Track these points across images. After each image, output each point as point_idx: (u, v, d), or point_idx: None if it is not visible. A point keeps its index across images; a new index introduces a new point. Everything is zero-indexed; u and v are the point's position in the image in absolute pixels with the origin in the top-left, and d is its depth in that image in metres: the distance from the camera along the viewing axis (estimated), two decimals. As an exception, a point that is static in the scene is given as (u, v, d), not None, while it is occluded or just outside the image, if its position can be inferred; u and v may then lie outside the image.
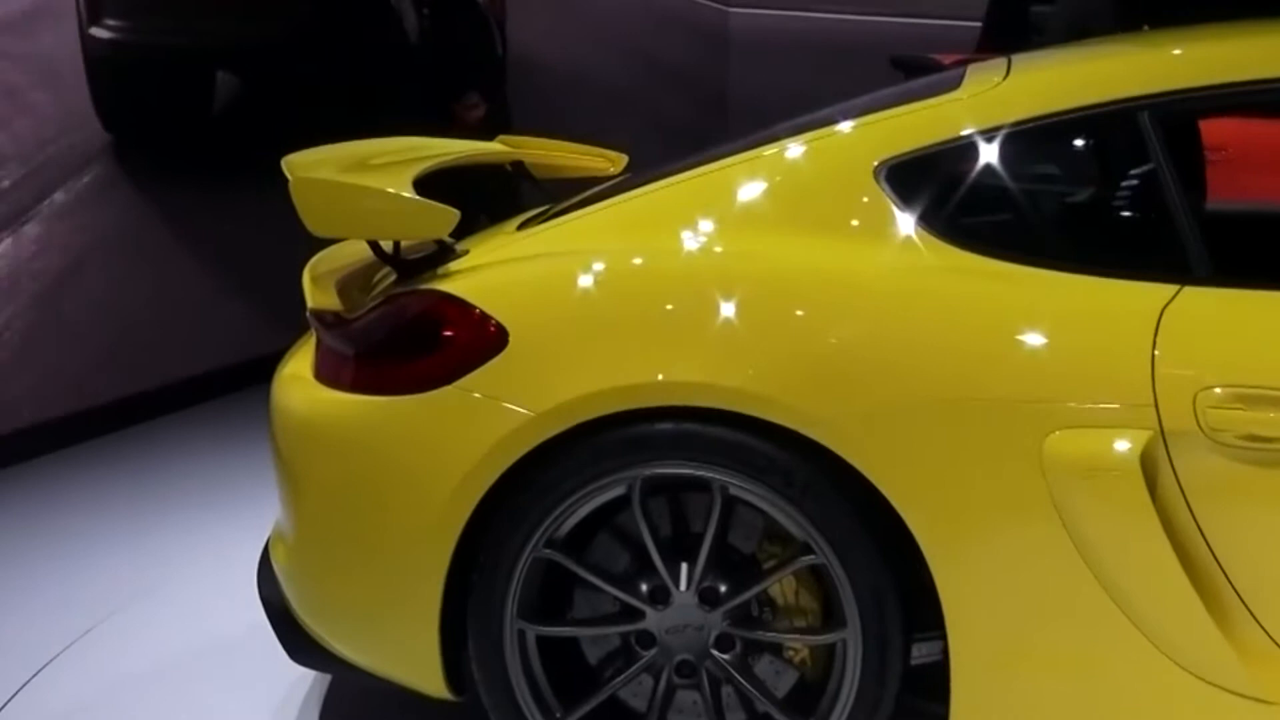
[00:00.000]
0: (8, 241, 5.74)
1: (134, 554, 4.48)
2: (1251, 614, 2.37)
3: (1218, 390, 2.31)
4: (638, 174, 3.20)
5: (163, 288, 6.32)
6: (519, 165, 3.76)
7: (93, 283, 6.03)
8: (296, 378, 2.93)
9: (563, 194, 3.42)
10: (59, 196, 5.96)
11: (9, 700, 3.53)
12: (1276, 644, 2.37)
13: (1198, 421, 2.32)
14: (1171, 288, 2.43)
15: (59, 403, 5.95)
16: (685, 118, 9.14)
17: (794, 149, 2.81)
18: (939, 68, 3.19)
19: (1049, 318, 2.45)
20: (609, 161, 3.83)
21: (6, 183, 5.73)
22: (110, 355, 6.11)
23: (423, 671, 2.71)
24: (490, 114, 5.57)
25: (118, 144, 6.14)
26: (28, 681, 3.62)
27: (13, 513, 5.00)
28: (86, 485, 5.24)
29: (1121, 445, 2.33)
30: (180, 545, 4.52)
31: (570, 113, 7.53)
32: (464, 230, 3.17)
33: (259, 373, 3.08)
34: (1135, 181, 2.71)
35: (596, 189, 3.20)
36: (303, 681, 3.43)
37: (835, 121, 2.85)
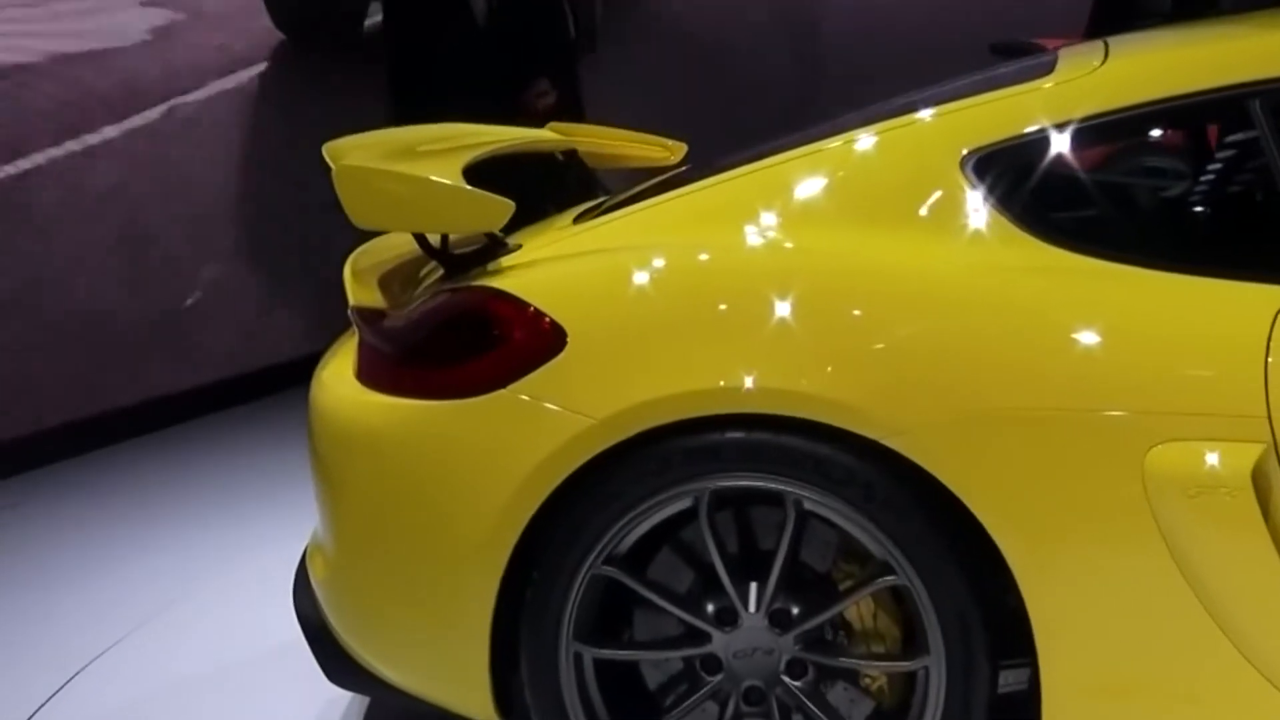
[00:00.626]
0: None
1: (167, 562, 4.52)
2: None
3: None
4: (701, 165, 3.16)
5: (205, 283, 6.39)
6: (572, 154, 3.72)
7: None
8: (337, 379, 2.89)
9: (618, 185, 3.39)
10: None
11: (36, 711, 3.55)
12: (1399, 678, 2.30)
13: (1315, 434, 2.25)
14: None
15: (93, 402, 6.00)
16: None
17: (871, 138, 2.76)
18: (1041, 53, 3.13)
19: (1151, 322, 2.39)
20: (667, 150, 3.79)
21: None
22: (146, 352, 6.16)
23: (470, 695, 2.66)
24: (563, 103, 5.42)
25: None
26: (56, 693, 3.64)
27: (47, 516, 5.05)
28: (120, 488, 5.29)
29: (1231, 460, 2.27)
30: (215, 554, 4.55)
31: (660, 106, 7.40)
32: (516, 224, 3.13)
33: (302, 374, 3.04)
34: (1245, 174, 2.65)
35: (657, 180, 3.16)
36: (339, 703, 3.39)
37: (915, 109, 2.80)
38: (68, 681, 3.73)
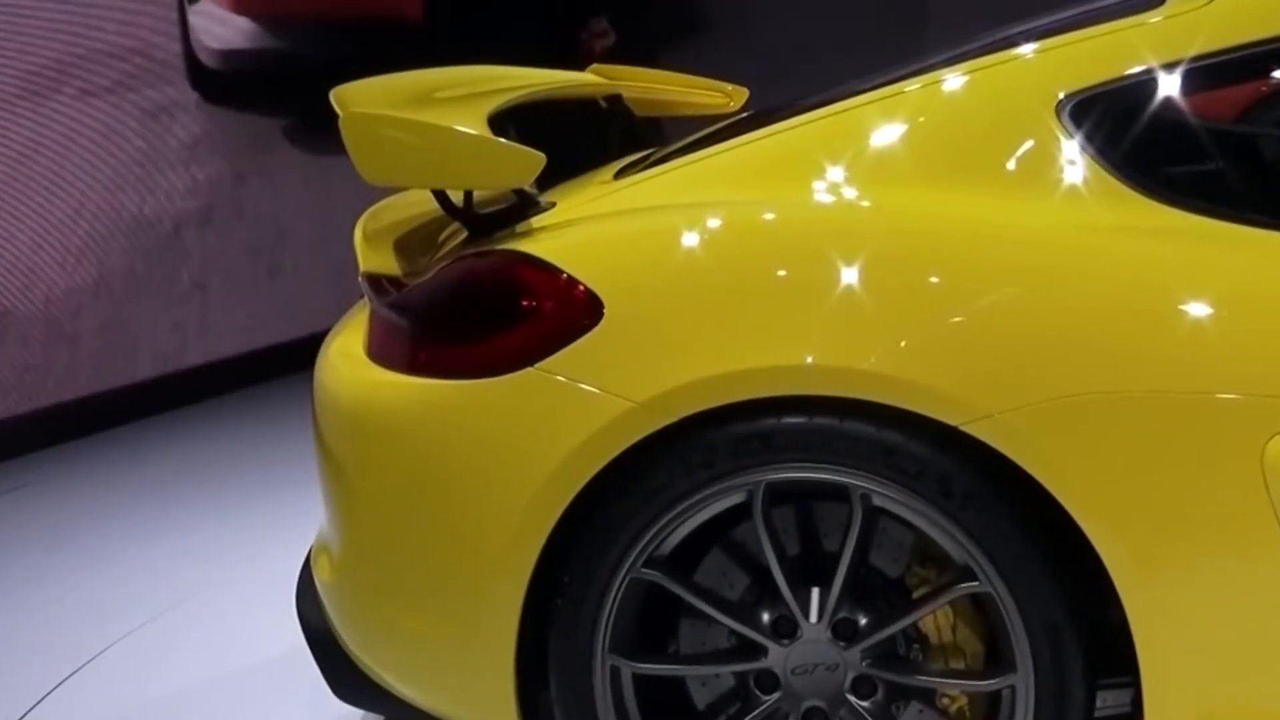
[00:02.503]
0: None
1: (169, 557, 4.59)
2: None
3: None
4: (761, 112, 3.14)
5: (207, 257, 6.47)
6: (616, 100, 3.71)
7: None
8: (345, 356, 2.91)
9: (670, 136, 3.38)
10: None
11: (30, 709, 3.66)
12: None
13: None
14: None
15: (92, 383, 6.11)
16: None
17: (956, 80, 2.74)
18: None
19: (1274, 291, 2.36)
20: (726, 96, 3.78)
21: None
22: (145, 334, 6.25)
23: (494, 715, 2.67)
24: (624, 44, 5.37)
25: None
26: (51, 691, 3.74)
27: (48, 505, 5.13)
28: (121, 476, 5.36)
29: (1365, 451, 2.24)
30: (215, 549, 4.61)
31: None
32: (549, 180, 3.13)
33: (311, 353, 3.07)
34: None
35: (711, 130, 3.15)
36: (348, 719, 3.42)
37: (1005, 47, 2.77)
38: (62, 682, 3.82)
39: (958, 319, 2.42)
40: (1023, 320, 2.41)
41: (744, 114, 3.57)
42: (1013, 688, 2.48)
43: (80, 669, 3.89)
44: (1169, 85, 2.57)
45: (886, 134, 2.71)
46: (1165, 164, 2.56)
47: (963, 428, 2.37)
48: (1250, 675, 2.36)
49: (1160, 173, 2.53)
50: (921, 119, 2.71)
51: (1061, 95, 2.58)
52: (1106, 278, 2.42)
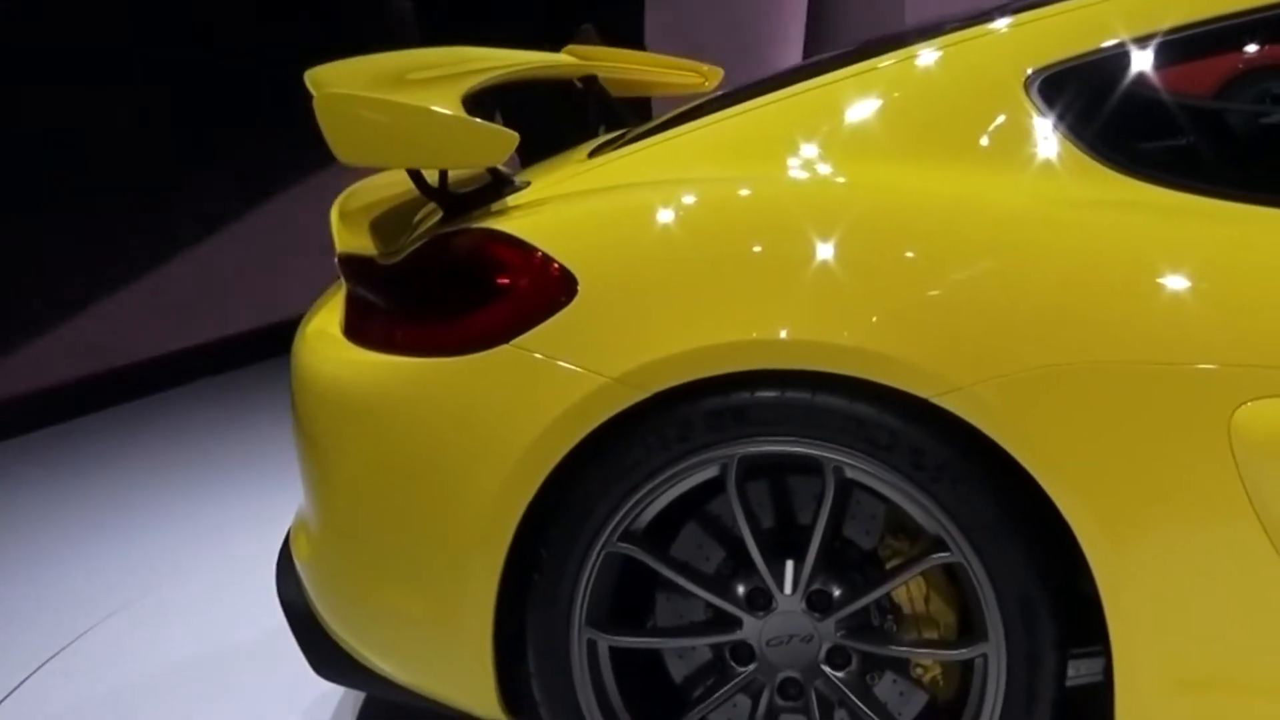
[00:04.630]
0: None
1: (143, 542, 4.57)
2: None
3: None
4: (736, 90, 3.16)
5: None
6: (591, 81, 3.73)
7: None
8: (322, 335, 2.93)
9: (645, 116, 3.40)
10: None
11: (7, 695, 3.66)
12: None
13: None
14: None
15: (69, 368, 6.12)
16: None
17: (930, 55, 2.76)
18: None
19: (1242, 262, 2.39)
20: (701, 76, 3.80)
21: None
22: (125, 318, 6.27)
23: (473, 690, 2.70)
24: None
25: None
26: (28, 677, 3.74)
27: (22, 490, 5.14)
28: (94, 461, 5.36)
29: (1333, 419, 2.27)
30: (193, 533, 4.61)
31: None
32: (525, 160, 3.16)
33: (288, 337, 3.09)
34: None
35: (685, 108, 3.17)
36: (329, 699, 3.44)
37: (978, 22, 2.79)
38: (40, 666, 3.82)
39: (929, 293, 2.44)
40: (992, 294, 2.43)
41: (718, 93, 3.59)
42: (985, 657, 2.51)
43: (59, 653, 3.90)
44: (1137, 60, 2.59)
45: (860, 110, 2.73)
46: (1133, 138, 2.59)
47: (934, 400, 2.40)
48: (1219, 643, 2.39)
49: (1128, 147, 2.56)
50: (896, 94, 2.73)
51: (1030, 71, 2.61)
52: (1074, 251, 2.44)
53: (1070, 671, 2.54)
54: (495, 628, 2.63)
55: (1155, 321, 2.36)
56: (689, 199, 2.66)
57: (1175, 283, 2.38)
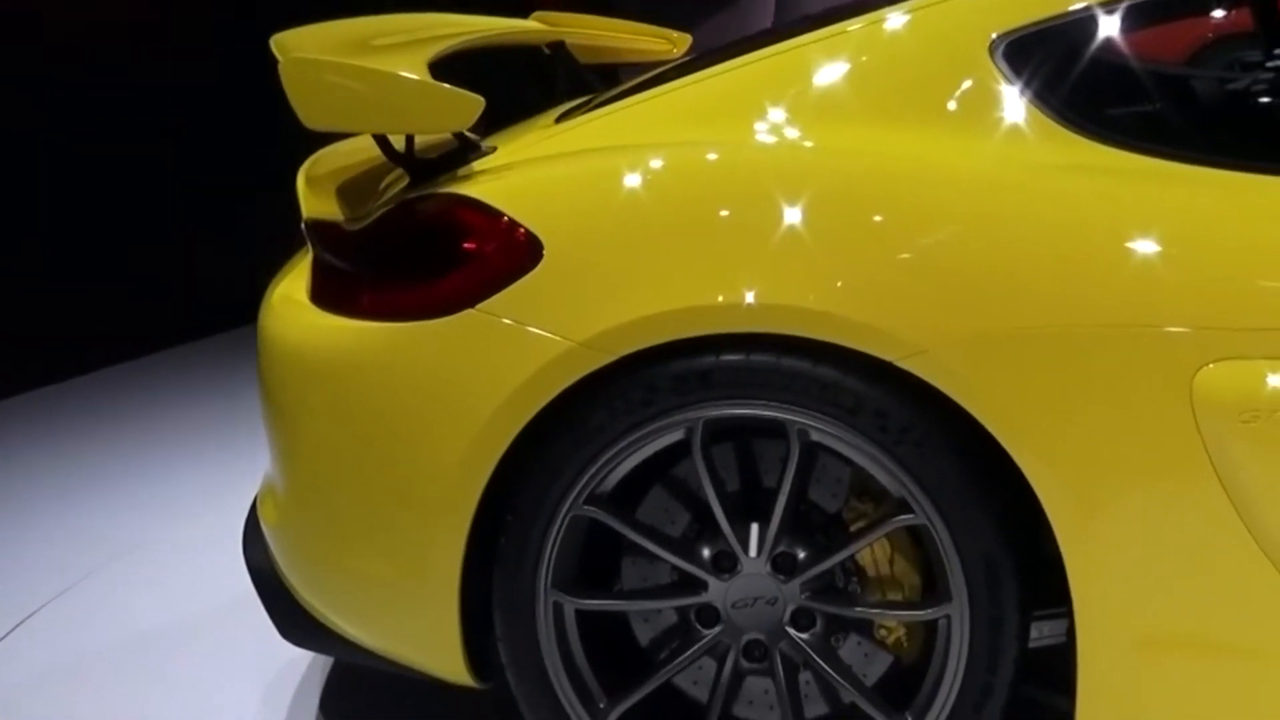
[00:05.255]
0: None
1: (109, 509, 4.58)
2: None
3: None
4: (703, 55, 3.17)
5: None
6: (559, 47, 3.74)
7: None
8: (288, 301, 2.93)
9: (613, 82, 3.40)
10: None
11: None
12: None
13: (1384, 350, 2.27)
14: None
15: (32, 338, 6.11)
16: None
17: (899, 19, 2.76)
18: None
19: (1202, 225, 2.41)
20: (669, 42, 3.80)
21: None
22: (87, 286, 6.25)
23: (440, 654, 2.72)
24: None
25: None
26: None
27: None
28: (59, 430, 5.35)
29: (1292, 381, 2.29)
30: (161, 499, 4.62)
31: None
32: (493, 125, 3.16)
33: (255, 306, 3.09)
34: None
35: (652, 74, 3.17)
36: (297, 665, 3.46)
37: (943, -13, 2.80)
38: (7, 634, 3.82)
39: (894, 257, 2.45)
40: (957, 258, 2.44)
41: (686, 58, 3.59)
42: (948, 618, 2.53)
43: (27, 619, 3.91)
44: (1101, 24, 2.61)
45: (828, 74, 2.73)
46: (1098, 102, 2.59)
47: (898, 363, 2.41)
48: (1180, 604, 2.41)
49: (1093, 111, 2.57)
50: (864, 58, 2.73)
51: (995, 35, 2.62)
52: (1038, 215, 2.46)
53: (1033, 633, 2.56)
54: (462, 592, 2.64)
55: (1118, 285, 2.37)
56: (656, 163, 2.66)
57: (1139, 246, 2.39)
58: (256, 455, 3.04)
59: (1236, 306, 2.33)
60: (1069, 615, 2.45)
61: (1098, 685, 2.46)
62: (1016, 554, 2.50)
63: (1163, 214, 2.42)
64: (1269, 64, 2.98)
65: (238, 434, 4.52)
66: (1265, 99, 2.96)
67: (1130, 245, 2.39)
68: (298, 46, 2.85)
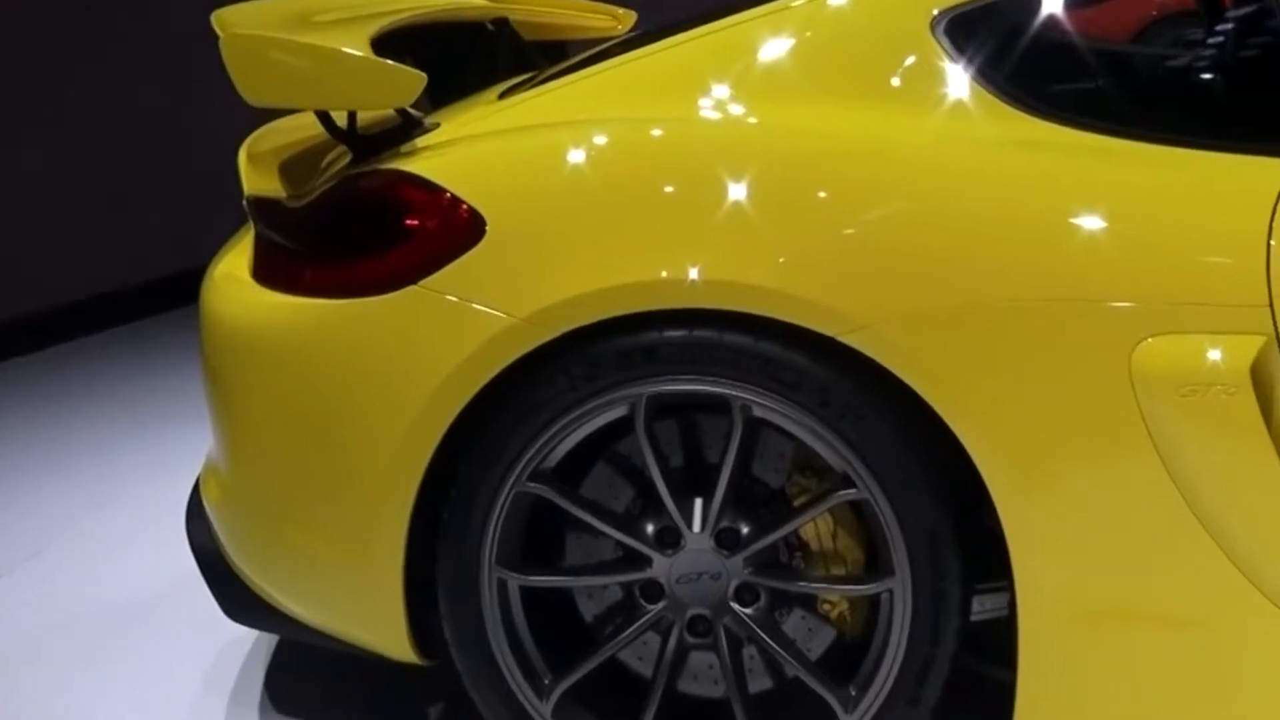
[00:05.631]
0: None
1: (51, 491, 4.54)
2: None
3: None
4: (647, 32, 3.17)
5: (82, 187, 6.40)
6: (503, 24, 3.73)
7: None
8: (230, 278, 2.93)
9: (560, 59, 3.40)
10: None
11: None
12: None
13: (1321, 325, 2.30)
14: None
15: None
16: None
17: (835, -4, 2.77)
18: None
19: (1143, 201, 2.43)
20: (614, 19, 3.81)
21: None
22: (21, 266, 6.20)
23: (384, 631, 2.72)
24: None
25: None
26: None
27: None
28: (4, 409, 5.33)
29: (1228, 354, 2.31)
30: (103, 479, 4.59)
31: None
32: (436, 102, 3.16)
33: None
34: (1251, 35, 2.68)
35: (596, 50, 3.18)
36: (241, 643, 3.46)
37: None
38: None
39: (837, 233, 2.47)
40: (899, 233, 2.46)
41: (631, 35, 3.59)
42: (891, 592, 2.55)
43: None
44: (1043, 1, 2.63)
45: (772, 50, 2.74)
46: (1040, 79, 2.61)
47: (840, 338, 2.43)
48: (1120, 576, 2.43)
49: (1035, 87, 2.58)
50: (808, 34, 2.74)
51: (936, 11, 2.63)
52: (978, 191, 2.48)
53: (975, 606, 2.58)
54: (406, 569, 2.64)
55: (1059, 260, 2.39)
56: (599, 139, 2.67)
57: (1080, 221, 2.41)
58: (200, 434, 3.03)
59: (1176, 281, 2.35)
60: (1010, 588, 2.47)
61: (1038, 657, 2.48)
62: (958, 528, 2.51)
63: (1104, 189, 2.44)
64: (1210, 41, 3.00)
65: (181, 412, 4.49)
66: (1207, 75, 2.99)
67: (1071, 220, 2.41)
68: (239, 22, 2.85)
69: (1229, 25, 2.89)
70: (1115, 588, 2.45)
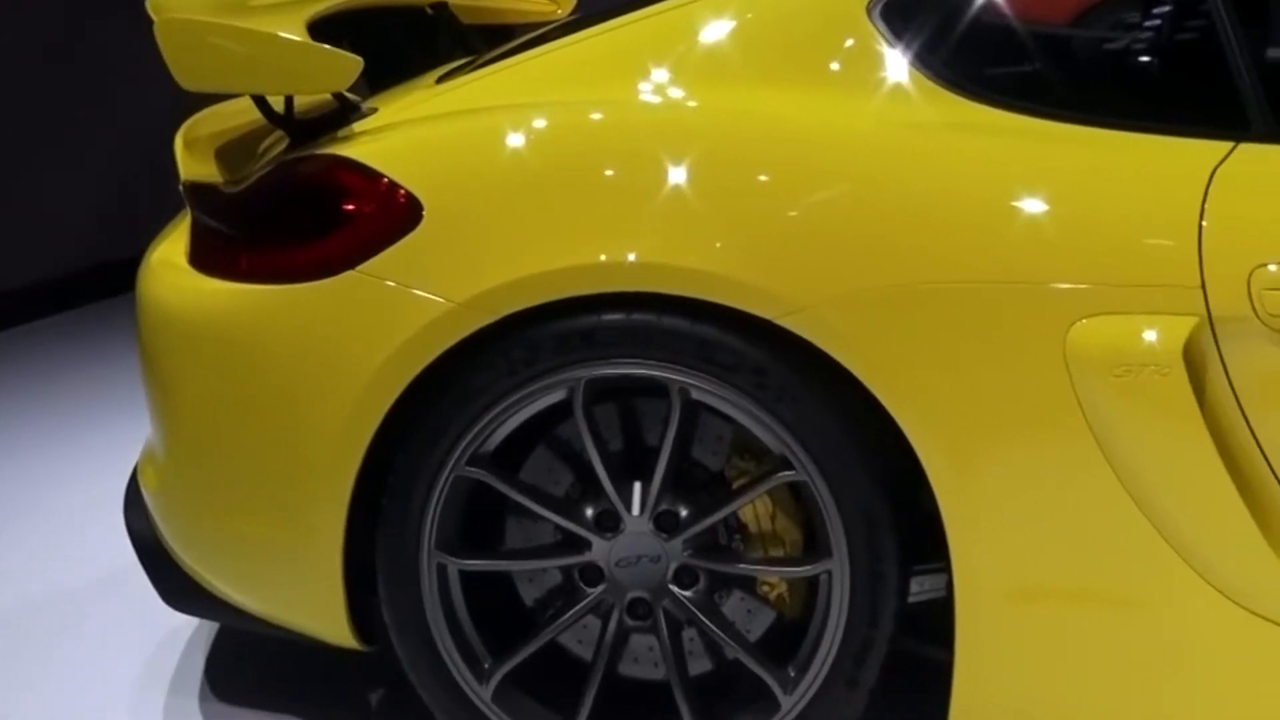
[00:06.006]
0: None
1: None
2: None
3: (1275, 268, 2.32)
4: (587, 16, 3.17)
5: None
6: (442, 8, 3.73)
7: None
8: (167, 264, 2.91)
9: (502, 42, 3.40)
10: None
11: None
12: (1345, 572, 2.40)
13: (1253, 305, 2.32)
14: (1224, 145, 2.43)
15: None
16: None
17: (774, -19, 2.78)
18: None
19: (1075, 183, 2.45)
20: (554, 3, 3.81)
21: None
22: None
23: (324, 617, 2.73)
24: None
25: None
26: None
27: None
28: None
29: (1161, 335, 2.33)
30: (39, 472, 4.55)
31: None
32: (375, 87, 3.16)
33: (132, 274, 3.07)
34: (1183, 17, 2.70)
35: (535, 34, 3.18)
36: (182, 631, 3.45)
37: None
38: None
39: (774, 216, 2.48)
40: (835, 216, 2.47)
41: (571, 19, 3.59)
42: (829, 573, 2.57)
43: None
44: (978, -17, 2.65)
45: (712, 33, 2.74)
46: (974, 62, 2.62)
47: (777, 321, 2.44)
48: (1057, 556, 2.45)
49: (969, 70, 2.59)
50: (748, 16, 2.74)
51: None
52: (915, 171, 2.49)
53: (913, 587, 2.60)
54: (345, 554, 2.65)
55: (995, 241, 2.41)
56: (538, 123, 2.68)
57: (1014, 204, 2.43)
58: (138, 421, 3.02)
59: (1111, 263, 2.37)
60: (948, 569, 2.49)
61: (975, 638, 2.50)
62: (896, 510, 2.54)
63: (1039, 172, 2.46)
64: (1146, 24, 3.02)
65: (119, 399, 4.47)
66: (1142, 59, 3.01)
67: (1006, 203, 2.43)
68: (174, 6, 2.84)
69: (1165, 8, 2.91)
70: (1051, 567, 2.47)
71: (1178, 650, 2.47)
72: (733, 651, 2.67)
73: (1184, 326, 2.33)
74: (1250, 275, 2.32)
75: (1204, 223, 2.34)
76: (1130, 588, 2.45)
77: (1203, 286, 2.33)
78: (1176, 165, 2.43)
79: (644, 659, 2.75)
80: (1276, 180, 2.42)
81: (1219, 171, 2.38)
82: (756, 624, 2.72)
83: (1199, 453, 2.36)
